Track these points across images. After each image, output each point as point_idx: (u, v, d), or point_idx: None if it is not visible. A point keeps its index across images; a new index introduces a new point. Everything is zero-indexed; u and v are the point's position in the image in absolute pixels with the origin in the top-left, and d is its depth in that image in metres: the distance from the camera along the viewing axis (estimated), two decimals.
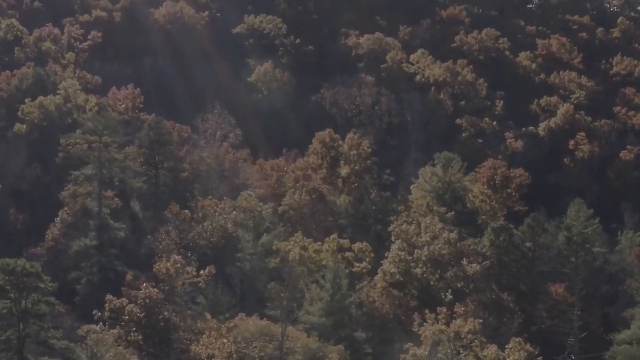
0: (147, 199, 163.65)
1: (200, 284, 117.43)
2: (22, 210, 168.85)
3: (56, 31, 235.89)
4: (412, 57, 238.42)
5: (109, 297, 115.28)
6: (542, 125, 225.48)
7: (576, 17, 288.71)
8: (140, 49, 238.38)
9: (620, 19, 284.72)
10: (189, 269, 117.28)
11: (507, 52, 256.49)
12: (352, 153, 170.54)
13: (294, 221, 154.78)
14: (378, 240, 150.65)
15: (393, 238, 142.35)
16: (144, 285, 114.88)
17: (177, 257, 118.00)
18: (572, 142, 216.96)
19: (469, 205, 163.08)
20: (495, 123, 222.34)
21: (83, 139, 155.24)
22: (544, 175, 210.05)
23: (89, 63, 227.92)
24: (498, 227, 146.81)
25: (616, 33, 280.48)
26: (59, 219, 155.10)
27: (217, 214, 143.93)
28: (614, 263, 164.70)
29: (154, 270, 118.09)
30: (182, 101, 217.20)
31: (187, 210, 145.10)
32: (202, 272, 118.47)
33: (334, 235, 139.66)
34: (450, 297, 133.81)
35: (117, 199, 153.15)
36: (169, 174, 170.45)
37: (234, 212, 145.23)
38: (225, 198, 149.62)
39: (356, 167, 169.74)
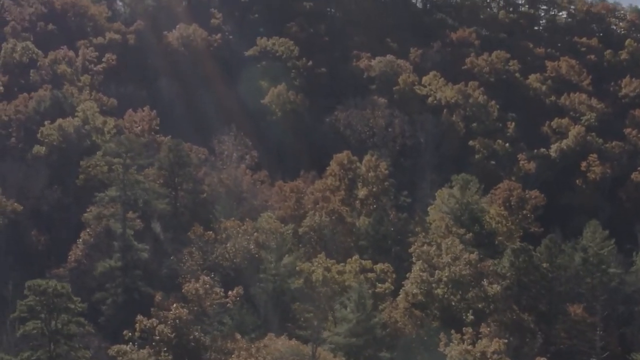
0: (167, 220, 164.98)
1: (228, 304, 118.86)
2: (42, 232, 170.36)
3: (71, 53, 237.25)
4: (424, 79, 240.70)
5: (139, 317, 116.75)
6: (554, 147, 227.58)
7: (584, 39, 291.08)
8: (154, 71, 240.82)
9: (627, 41, 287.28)
10: (217, 289, 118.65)
11: (517, 74, 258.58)
12: (369, 175, 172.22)
13: (314, 242, 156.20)
14: (397, 261, 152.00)
15: (414, 259, 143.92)
16: (174, 305, 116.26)
17: (206, 278, 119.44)
18: (583, 164, 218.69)
19: (486, 227, 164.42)
20: (507, 145, 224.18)
21: (106, 161, 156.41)
22: (555, 196, 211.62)
23: (104, 85, 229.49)
24: (517, 248, 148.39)
25: (624, 55, 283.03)
26: (80, 240, 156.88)
27: (239, 235, 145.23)
28: (630, 283, 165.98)
29: (183, 290, 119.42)
30: (196, 123, 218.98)
31: (211, 232, 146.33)
32: (230, 292, 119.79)
33: (356, 256, 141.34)
34: (471, 317, 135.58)
35: (138, 220, 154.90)
36: (188, 195, 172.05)
37: (256, 233, 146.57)
38: (247, 219, 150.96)
39: (374, 189, 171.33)
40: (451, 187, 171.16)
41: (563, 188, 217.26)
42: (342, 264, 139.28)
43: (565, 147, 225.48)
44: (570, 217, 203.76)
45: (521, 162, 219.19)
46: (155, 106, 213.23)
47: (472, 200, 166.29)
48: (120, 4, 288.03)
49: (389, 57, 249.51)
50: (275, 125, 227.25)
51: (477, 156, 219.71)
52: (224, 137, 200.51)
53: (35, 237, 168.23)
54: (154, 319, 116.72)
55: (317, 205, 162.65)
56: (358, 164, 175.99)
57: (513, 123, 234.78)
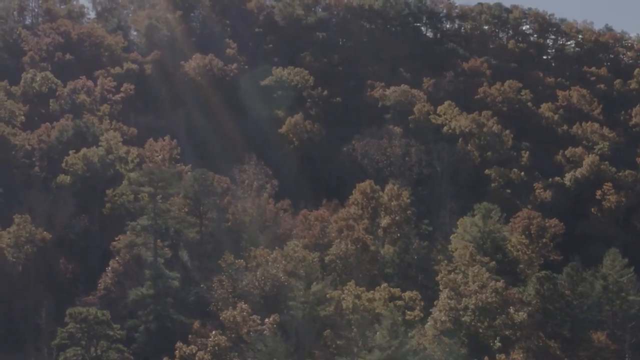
0: (193, 248, 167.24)
1: (265, 332, 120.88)
2: (70, 260, 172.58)
3: (89, 83, 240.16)
4: (439, 109, 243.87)
5: (178, 344, 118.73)
6: (568, 176, 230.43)
7: (593, 69, 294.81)
8: (172, 100, 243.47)
9: (637, 70, 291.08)
10: (254, 316, 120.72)
11: (529, 103, 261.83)
12: (392, 203, 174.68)
13: (339, 270, 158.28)
14: (423, 289, 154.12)
15: (440, 287, 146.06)
16: (213, 332, 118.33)
17: (244, 305, 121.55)
18: (599, 192, 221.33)
19: (508, 255, 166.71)
20: (522, 173, 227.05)
21: (132, 190, 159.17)
22: (570, 224, 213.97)
23: (123, 114, 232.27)
24: (542, 276, 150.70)
25: (633, 84, 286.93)
26: (109, 268, 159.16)
27: (268, 263, 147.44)
28: None
29: (221, 317, 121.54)
30: (215, 152, 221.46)
31: (242, 260, 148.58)
32: (266, 319, 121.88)
33: (385, 284, 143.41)
34: (498, 344, 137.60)
35: (166, 249, 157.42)
36: (212, 224, 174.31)
37: (284, 261, 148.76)
38: (277, 248, 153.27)
39: (396, 218, 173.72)
40: (473, 215, 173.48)
41: (578, 216, 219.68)
42: (371, 291, 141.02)
43: (579, 176, 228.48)
44: (586, 245, 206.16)
45: (537, 190, 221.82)
46: (175, 135, 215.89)
47: (494, 229, 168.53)
48: (136, 34, 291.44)
49: (403, 86, 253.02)
50: (293, 154, 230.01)
51: (493, 185, 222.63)
52: (244, 166, 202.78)
53: (63, 266, 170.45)
54: (192, 346, 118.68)
55: (342, 234, 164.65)
56: (380, 192, 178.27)
57: (527, 152, 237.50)
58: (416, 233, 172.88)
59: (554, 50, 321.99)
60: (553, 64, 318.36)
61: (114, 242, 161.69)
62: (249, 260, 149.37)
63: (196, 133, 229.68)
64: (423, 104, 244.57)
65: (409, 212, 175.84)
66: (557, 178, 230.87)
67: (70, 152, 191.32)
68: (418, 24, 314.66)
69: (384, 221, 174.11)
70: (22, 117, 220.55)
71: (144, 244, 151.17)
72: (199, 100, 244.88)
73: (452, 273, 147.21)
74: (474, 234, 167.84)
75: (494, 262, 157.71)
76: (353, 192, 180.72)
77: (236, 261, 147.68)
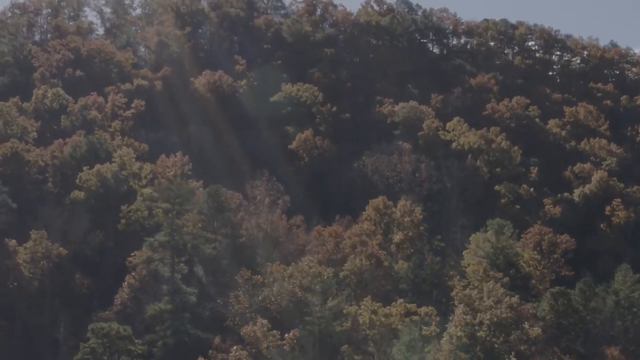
0: (208, 264, 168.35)
1: (285, 347, 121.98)
2: (85, 275, 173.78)
3: (100, 99, 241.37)
4: (448, 125, 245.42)
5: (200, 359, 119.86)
6: (577, 191, 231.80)
7: (599, 85, 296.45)
8: (183, 116, 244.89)
9: None
10: (274, 331, 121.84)
11: (537, 119, 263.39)
12: (405, 219, 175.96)
13: (354, 285, 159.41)
14: (437, 304, 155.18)
15: (456, 302, 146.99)
16: (234, 347, 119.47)
17: (264, 321, 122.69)
18: (608, 208, 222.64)
19: (521, 271, 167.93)
20: (532, 189, 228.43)
21: (147, 206, 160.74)
22: (579, 240, 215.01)
23: (134, 130, 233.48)
24: (556, 292, 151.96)
25: (639, 100, 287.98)
26: (125, 283, 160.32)
27: (285, 279, 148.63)
28: None
29: (242, 333, 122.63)
30: (226, 167, 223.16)
31: (259, 276, 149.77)
32: (286, 335, 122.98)
33: (400, 300, 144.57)
34: (513, 359, 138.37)
35: (182, 264, 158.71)
36: (226, 239, 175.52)
37: (300, 277, 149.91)
38: (293, 263, 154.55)
39: (409, 233, 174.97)
40: (485, 231, 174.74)
41: (587, 232, 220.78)
42: (387, 307, 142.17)
43: (588, 192, 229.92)
44: (595, 261, 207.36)
45: (547, 206, 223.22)
46: (185, 151, 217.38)
47: (507, 245, 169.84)
48: (144, 50, 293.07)
49: (412, 102, 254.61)
50: (303, 170, 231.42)
51: (502, 200, 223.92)
52: (256, 182, 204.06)
53: (78, 281, 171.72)
54: None
55: (356, 250, 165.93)
56: (393, 208, 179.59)
57: (536, 168, 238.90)
58: (429, 249, 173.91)
59: (559, 66, 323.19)
60: (558, 80, 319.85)
61: (130, 258, 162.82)
62: (265, 275, 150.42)
63: (207, 149, 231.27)
64: (432, 120, 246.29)
65: (421, 228, 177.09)
66: (565, 194, 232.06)
67: (84, 168, 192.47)
68: (424, 40, 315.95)
69: (397, 237, 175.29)
70: (35, 133, 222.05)
71: (161, 259, 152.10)
72: (209, 116, 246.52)
73: (467, 288, 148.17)
74: (486, 250, 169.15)
75: (507, 278, 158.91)
76: (366, 208, 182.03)
77: (253, 277, 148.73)
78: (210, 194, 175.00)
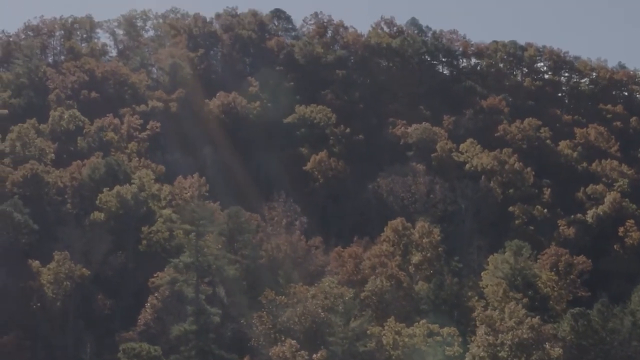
0: (229, 284, 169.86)
1: None
2: (107, 296, 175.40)
3: (116, 121, 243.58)
4: (462, 146, 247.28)
5: None
6: (590, 213, 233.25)
7: (609, 106, 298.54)
8: (198, 137, 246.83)
9: None
10: (302, 352, 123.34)
11: (548, 141, 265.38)
12: (423, 241, 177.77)
13: (374, 306, 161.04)
14: (458, 325, 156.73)
15: (477, 323, 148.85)
16: None
17: (292, 342, 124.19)
18: (621, 229, 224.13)
19: (539, 291, 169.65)
20: (545, 210, 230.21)
21: (175, 228, 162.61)
22: (593, 261, 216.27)
23: (150, 152, 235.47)
24: (577, 313, 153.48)
25: None
26: (148, 304, 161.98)
27: (307, 299, 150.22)
28: None
29: (270, 353, 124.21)
30: (242, 188, 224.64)
31: (283, 296, 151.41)
32: (314, 355, 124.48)
33: (424, 320, 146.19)
34: None
35: (204, 285, 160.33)
36: (246, 260, 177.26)
37: (322, 298, 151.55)
38: (316, 284, 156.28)
39: (427, 255, 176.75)
40: (503, 252, 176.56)
41: (600, 253, 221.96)
42: (410, 327, 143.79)
43: (601, 213, 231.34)
44: (610, 282, 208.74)
45: (561, 227, 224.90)
46: (201, 172, 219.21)
47: (525, 266, 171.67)
48: (157, 71, 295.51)
49: (425, 124, 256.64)
50: (318, 191, 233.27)
51: (517, 222, 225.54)
52: (273, 203, 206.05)
53: (101, 301, 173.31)
54: None
55: (376, 271, 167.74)
56: (411, 230, 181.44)
57: (549, 189, 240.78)
58: (448, 270, 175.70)
59: (568, 88, 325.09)
60: (567, 101, 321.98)
61: (152, 279, 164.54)
62: (288, 296, 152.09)
63: (222, 170, 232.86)
64: (445, 141, 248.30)
65: (440, 249, 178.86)
66: (579, 215, 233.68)
67: (104, 189, 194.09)
68: (435, 62, 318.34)
69: (415, 258, 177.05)
70: (52, 155, 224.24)
71: (185, 280, 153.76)
72: (223, 137, 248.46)
73: (488, 309, 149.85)
74: (505, 271, 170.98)
75: (526, 299, 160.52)
76: (384, 229, 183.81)
77: (277, 297, 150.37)
78: (231, 216, 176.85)
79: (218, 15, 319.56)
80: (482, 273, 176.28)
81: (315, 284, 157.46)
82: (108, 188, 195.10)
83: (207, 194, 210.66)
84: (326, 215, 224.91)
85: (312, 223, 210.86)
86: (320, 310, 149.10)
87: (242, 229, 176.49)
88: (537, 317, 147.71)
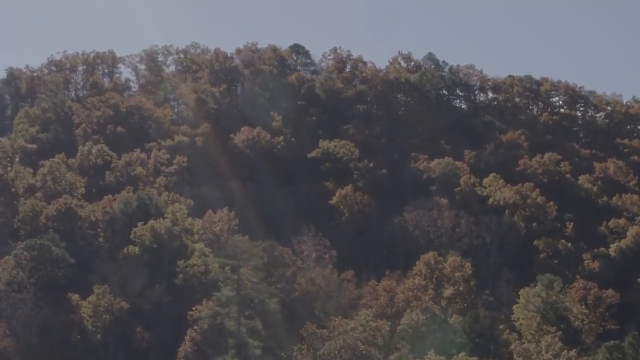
0: (267, 317, 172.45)
1: None
2: (145, 329, 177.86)
3: (143, 155, 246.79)
4: (485, 181, 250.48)
5: None
6: (613, 246, 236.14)
7: (626, 141, 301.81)
8: (224, 171, 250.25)
9: None
10: None
11: (568, 175, 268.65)
12: (456, 274, 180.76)
13: (410, 339, 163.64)
14: (494, 358, 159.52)
15: (514, 356, 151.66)
16: None
17: None
18: None
19: (571, 324, 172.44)
20: (570, 244, 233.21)
21: (218, 262, 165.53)
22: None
23: (178, 186, 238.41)
24: (611, 346, 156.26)
25: None
26: (188, 337, 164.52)
27: (346, 332, 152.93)
28: None
29: None
30: (269, 222, 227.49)
31: (325, 330, 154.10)
32: None
33: (462, 353, 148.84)
34: None
35: (244, 318, 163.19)
36: (282, 293, 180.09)
37: (361, 330, 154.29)
38: (351, 317, 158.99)
39: (460, 288, 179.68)
40: (534, 285, 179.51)
41: (624, 286, 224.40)
42: None
43: (624, 247, 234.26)
44: (636, 314, 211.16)
45: (586, 261, 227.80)
46: (229, 206, 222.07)
47: (557, 299, 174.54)
48: (181, 106, 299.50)
49: (447, 159, 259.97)
50: (345, 225, 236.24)
51: (541, 255, 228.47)
52: (303, 237, 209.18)
53: (139, 334, 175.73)
54: None
55: (411, 304, 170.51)
56: (443, 264, 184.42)
57: (572, 223, 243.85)
58: (481, 303, 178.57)
59: (583, 122, 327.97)
60: (581, 135, 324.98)
61: (192, 312, 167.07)
62: (328, 329, 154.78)
63: (249, 204, 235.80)
64: (468, 176, 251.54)
65: (472, 283, 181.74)
66: (601, 249, 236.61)
67: (139, 224, 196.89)
68: (452, 96, 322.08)
69: (447, 291, 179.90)
70: (83, 189, 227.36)
71: (227, 313, 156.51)
72: (249, 171, 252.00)
73: (525, 342, 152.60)
74: (537, 305, 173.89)
75: (560, 332, 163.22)
76: (416, 262, 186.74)
77: (318, 330, 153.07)
78: (266, 249, 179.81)
79: (239, 51, 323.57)
80: (513, 306, 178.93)
81: (351, 317, 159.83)
82: (142, 222, 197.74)
83: (236, 227, 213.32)
84: (352, 249, 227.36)
85: (340, 256, 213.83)
86: (359, 343, 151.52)
87: (277, 263, 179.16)
88: (574, 350, 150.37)
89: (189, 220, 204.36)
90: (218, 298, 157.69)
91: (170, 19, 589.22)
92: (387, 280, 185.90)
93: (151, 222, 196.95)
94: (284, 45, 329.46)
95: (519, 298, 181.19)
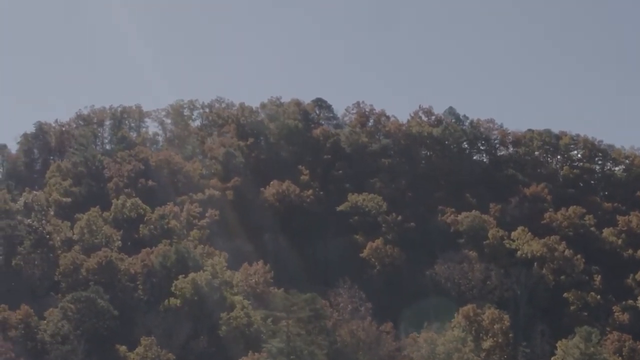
0: None
1: None
2: None
3: (175, 209, 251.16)
4: (513, 234, 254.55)
5: None
6: None
7: None
8: (255, 224, 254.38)
9: None
10: None
11: (593, 228, 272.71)
12: (494, 327, 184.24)
13: None
14: None
15: None
16: None
17: None
18: None
19: None
20: (599, 297, 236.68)
21: (272, 315, 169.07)
22: None
23: (211, 239, 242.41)
24: None
25: None
26: None
27: None
28: None
29: None
30: (302, 275, 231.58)
31: None
32: None
33: None
34: None
35: None
36: (323, 345, 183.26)
37: None
38: None
39: (498, 340, 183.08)
40: (572, 337, 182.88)
41: None
42: None
43: None
44: None
45: (616, 313, 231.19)
46: (263, 259, 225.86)
47: (596, 351, 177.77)
48: (208, 160, 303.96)
49: (475, 212, 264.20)
50: (376, 278, 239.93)
51: (572, 307, 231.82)
52: (339, 290, 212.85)
53: None
54: None
55: (453, 356, 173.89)
56: (482, 316, 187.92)
57: (599, 275, 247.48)
58: (523, 355, 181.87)
59: (602, 175, 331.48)
60: (599, 187, 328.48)
61: None
62: None
63: (282, 257, 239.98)
64: (497, 229, 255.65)
65: (510, 335, 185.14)
66: (629, 301, 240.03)
67: (180, 276, 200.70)
68: (473, 150, 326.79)
69: (486, 344, 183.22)
70: (119, 242, 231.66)
71: None
72: (280, 225, 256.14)
73: None
74: (575, 356, 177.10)
75: None
76: (455, 315, 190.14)
77: None
78: (308, 302, 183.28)
79: (263, 105, 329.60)
80: (551, 358, 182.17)
81: None
82: (182, 275, 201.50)
83: (271, 280, 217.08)
84: (384, 300, 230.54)
85: (374, 308, 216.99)
86: None
87: (319, 315, 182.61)
88: None
89: (228, 272, 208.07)
90: (268, 350, 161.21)
91: (191, 74, 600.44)
92: (427, 332, 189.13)
93: (192, 274, 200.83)
94: (304, 97, 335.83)
95: (556, 350, 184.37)
